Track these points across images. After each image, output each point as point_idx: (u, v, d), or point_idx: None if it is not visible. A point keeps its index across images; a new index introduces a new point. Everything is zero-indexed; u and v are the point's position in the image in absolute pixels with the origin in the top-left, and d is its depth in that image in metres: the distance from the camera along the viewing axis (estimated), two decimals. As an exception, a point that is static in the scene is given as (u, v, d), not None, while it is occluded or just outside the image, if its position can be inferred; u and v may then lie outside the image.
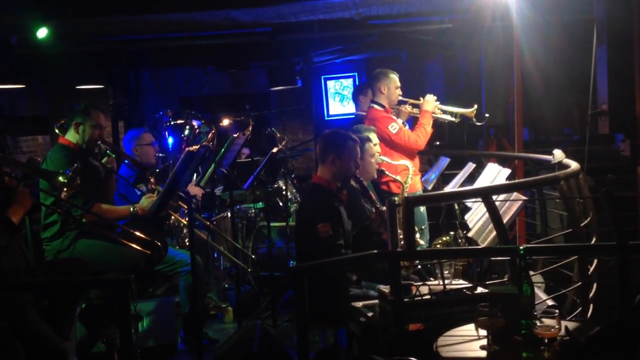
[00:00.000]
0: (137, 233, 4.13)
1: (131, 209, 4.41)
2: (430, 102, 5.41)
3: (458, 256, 3.77)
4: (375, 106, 5.45)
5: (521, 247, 2.83)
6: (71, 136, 4.40)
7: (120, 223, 4.52)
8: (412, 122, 5.59)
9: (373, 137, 4.83)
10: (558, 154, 4.47)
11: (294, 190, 6.07)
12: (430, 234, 5.49)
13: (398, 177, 4.78)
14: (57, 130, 4.45)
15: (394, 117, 5.42)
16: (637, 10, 4.25)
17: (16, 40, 5.94)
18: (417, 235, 4.19)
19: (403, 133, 5.29)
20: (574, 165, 4.16)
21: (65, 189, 3.61)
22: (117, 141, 7.57)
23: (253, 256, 5.58)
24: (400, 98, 5.49)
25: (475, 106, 5.43)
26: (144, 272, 4.45)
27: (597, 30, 4.39)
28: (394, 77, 5.45)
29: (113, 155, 4.46)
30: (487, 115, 5.64)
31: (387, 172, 4.76)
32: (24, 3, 5.19)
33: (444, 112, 5.49)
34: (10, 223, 3.42)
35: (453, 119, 5.52)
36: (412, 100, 5.51)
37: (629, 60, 4.28)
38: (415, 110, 5.50)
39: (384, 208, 3.97)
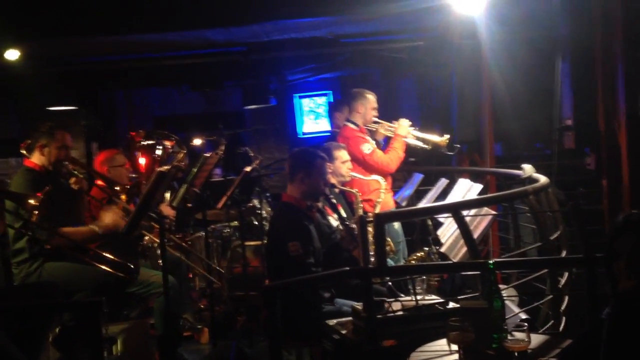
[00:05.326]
0: (108, 255, 4.07)
1: (96, 228, 4.29)
2: (403, 127, 5.45)
3: (429, 272, 3.80)
4: (350, 125, 5.49)
5: (490, 262, 2.87)
6: (36, 158, 4.32)
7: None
8: (387, 141, 5.63)
9: (343, 154, 4.87)
10: (528, 169, 4.54)
11: (269, 209, 6.07)
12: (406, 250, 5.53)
13: (354, 190, 4.78)
14: (23, 151, 4.39)
15: (368, 138, 5.47)
16: (599, 27, 4.36)
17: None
18: (387, 248, 4.20)
19: (376, 155, 5.33)
20: (543, 179, 4.23)
21: (35, 212, 3.56)
22: (90, 163, 7.51)
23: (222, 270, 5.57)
24: (375, 119, 5.54)
25: (447, 136, 5.44)
26: (117, 294, 4.40)
27: (561, 47, 4.49)
28: (371, 98, 5.51)
29: (81, 176, 4.41)
30: (457, 145, 5.69)
31: (338, 186, 4.78)
32: (-5, 25, 5.17)
33: (417, 138, 5.53)
34: None
35: (424, 146, 5.53)
36: (387, 124, 5.55)
37: (592, 76, 4.38)
38: (389, 132, 5.54)
39: (353, 225, 3.99)
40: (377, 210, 4.85)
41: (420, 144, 5.52)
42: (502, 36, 5.52)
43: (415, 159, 6.89)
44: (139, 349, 4.57)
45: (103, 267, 4.00)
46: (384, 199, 5.10)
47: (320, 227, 4.16)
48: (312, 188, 4.03)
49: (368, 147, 5.34)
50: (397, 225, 5.39)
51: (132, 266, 4.10)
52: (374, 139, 5.53)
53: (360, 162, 5.29)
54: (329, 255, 4.03)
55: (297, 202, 4.04)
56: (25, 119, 7.24)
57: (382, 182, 5.03)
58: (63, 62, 6.85)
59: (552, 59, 4.82)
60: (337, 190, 4.69)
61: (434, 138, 5.46)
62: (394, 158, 5.36)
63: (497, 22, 5.34)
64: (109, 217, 4.30)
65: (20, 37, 5.36)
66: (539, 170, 4.56)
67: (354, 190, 4.77)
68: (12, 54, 5.47)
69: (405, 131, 5.44)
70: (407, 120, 5.50)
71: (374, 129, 5.57)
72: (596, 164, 4.44)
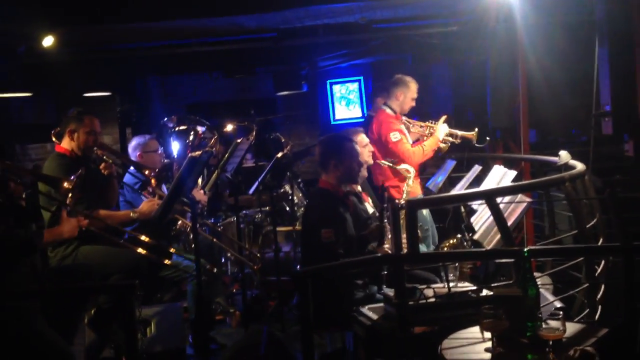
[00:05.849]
0: (143, 238, 4.14)
1: (131, 214, 4.42)
2: (442, 131, 5.45)
3: (461, 259, 3.77)
4: (387, 110, 5.51)
5: (525, 249, 2.83)
6: (66, 143, 4.39)
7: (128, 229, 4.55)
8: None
9: (363, 138, 4.86)
10: (564, 155, 4.46)
11: (300, 195, 6.08)
12: (438, 236, 5.50)
13: (406, 166, 4.76)
14: (53, 138, 4.46)
15: (401, 127, 5.44)
16: (637, 11, 4.24)
17: (24, 49, 5.99)
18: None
19: (402, 144, 5.32)
20: (579, 166, 4.15)
21: (70, 195, 3.62)
22: (124, 148, 7.60)
23: (258, 255, 5.61)
24: (407, 119, 5.52)
25: (476, 129, 5.47)
26: (151, 277, 4.47)
27: (598, 32, 4.38)
28: (413, 88, 5.52)
29: (110, 161, 4.46)
30: (488, 138, 5.68)
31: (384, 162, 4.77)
32: (31, 12, 5.23)
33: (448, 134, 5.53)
34: (30, 244, 3.41)
35: (454, 141, 5.54)
36: (426, 124, 5.54)
37: (631, 61, 4.27)
38: (426, 132, 5.52)
39: (386, 221, 3.93)
40: (405, 197, 4.83)
41: (450, 139, 5.52)
42: (538, 20, 5.41)
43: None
44: (172, 332, 4.63)
45: (139, 250, 4.07)
46: (412, 186, 5.08)
47: (357, 213, 4.15)
48: (346, 172, 4.03)
49: (396, 135, 5.34)
50: (425, 211, 5.37)
51: (169, 250, 4.17)
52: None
53: (384, 146, 5.30)
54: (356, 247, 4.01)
55: (334, 189, 4.03)
56: (61, 105, 7.34)
57: (412, 170, 5.01)
58: (98, 49, 6.93)
59: (589, 43, 4.70)
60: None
61: (463, 132, 5.49)
62: (418, 153, 5.35)
63: (532, 6, 5.24)
64: (146, 204, 4.44)
65: (57, 23, 5.42)
66: (575, 156, 4.47)
67: (406, 166, 4.78)
68: (48, 41, 5.54)
69: (442, 135, 5.42)
70: (446, 125, 5.47)
71: (410, 125, 5.55)
72: (635, 150, 4.33)
